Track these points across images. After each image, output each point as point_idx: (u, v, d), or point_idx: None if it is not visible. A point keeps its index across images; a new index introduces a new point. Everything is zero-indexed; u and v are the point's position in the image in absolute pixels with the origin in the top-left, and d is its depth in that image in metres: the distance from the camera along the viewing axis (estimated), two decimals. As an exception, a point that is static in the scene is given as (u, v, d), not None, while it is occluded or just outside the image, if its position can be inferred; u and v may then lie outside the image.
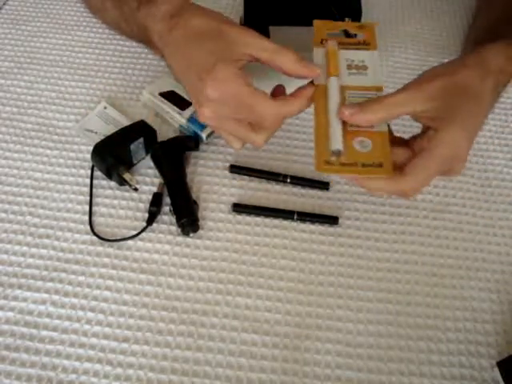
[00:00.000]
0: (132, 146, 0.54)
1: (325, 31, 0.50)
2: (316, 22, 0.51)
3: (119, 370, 0.44)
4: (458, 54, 0.70)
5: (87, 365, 0.44)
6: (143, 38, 0.56)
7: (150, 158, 0.56)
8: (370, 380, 0.44)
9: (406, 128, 0.51)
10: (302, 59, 0.46)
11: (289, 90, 0.47)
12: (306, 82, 0.47)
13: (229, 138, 0.47)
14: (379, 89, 0.46)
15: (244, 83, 0.43)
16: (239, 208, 0.53)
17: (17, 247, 0.50)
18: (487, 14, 0.68)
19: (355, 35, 0.50)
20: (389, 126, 0.45)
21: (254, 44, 0.45)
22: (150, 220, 0.52)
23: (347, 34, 0.51)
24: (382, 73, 0.47)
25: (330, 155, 0.43)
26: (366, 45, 0.49)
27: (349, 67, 0.47)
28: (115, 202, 0.54)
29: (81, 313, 0.47)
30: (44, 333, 0.45)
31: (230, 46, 0.45)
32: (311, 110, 0.64)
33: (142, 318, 0.47)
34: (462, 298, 0.49)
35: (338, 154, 0.42)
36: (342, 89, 0.46)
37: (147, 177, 0.56)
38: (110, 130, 0.57)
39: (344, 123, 0.44)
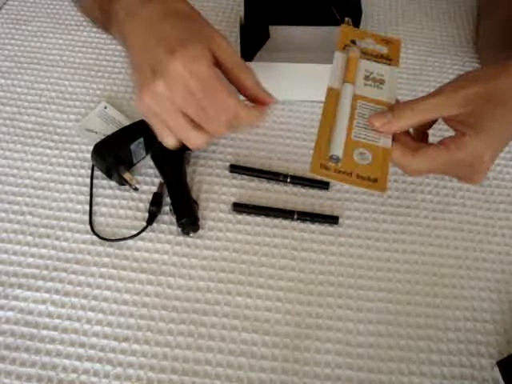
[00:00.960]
0: (132, 146, 0.54)
1: (350, 38, 0.50)
2: (343, 27, 0.51)
3: (119, 370, 0.44)
4: (458, 54, 0.71)
5: (87, 364, 0.44)
6: (103, 15, 0.52)
7: (150, 157, 0.56)
8: (370, 379, 0.44)
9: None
10: (261, 84, 0.45)
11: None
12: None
13: (163, 130, 0.44)
14: (390, 105, 0.45)
15: (214, 66, 0.41)
16: (239, 208, 0.53)
17: (17, 247, 0.50)
18: (493, 18, 0.67)
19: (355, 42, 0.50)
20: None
21: (224, 48, 0.43)
22: (150, 220, 0.52)
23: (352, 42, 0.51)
24: (396, 91, 0.47)
25: (327, 159, 0.43)
26: (388, 59, 0.49)
27: (366, 78, 0.47)
28: (115, 201, 0.54)
29: (81, 312, 0.47)
30: (44, 332, 0.45)
31: (206, 33, 0.43)
32: (315, 111, 0.64)
33: (142, 317, 0.47)
34: (462, 297, 0.49)
35: (336, 160, 0.42)
36: (355, 97, 0.46)
37: (147, 177, 0.56)
38: (110, 129, 0.57)
39: (348, 131, 0.44)
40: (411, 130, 0.47)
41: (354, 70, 0.47)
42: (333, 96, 0.46)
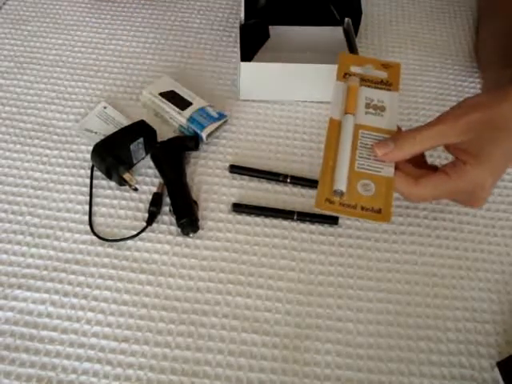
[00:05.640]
0: (132, 146, 0.54)
1: (349, 65, 0.50)
2: (341, 55, 0.51)
3: (119, 370, 0.44)
4: (459, 54, 0.71)
5: (87, 365, 0.44)
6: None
7: (149, 158, 0.56)
8: (370, 380, 0.44)
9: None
10: None
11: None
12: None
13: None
14: (392, 133, 0.46)
15: None
16: (239, 208, 0.53)
17: (17, 247, 0.50)
18: (493, 26, 0.67)
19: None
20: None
21: None
22: (150, 220, 0.52)
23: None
24: (397, 117, 0.48)
25: (332, 194, 0.43)
26: (388, 85, 0.49)
27: (367, 106, 0.48)
28: (115, 202, 0.54)
29: (80, 313, 0.47)
30: (44, 333, 0.45)
31: None
32: (315, 111, 0.64)
33: (142, 318, 0.47)
34: (462, 298, 0.49)
35: (340, 194, 0.43)
36: (356, 127, 0.46)
37: (147, 177, 0.56)
38: (110, 129, 0.57)
39: (351, 162, 0.45)
40: None
41: (354, 100, 0.48)
42: (335, 127, 0.46)
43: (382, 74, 0.50)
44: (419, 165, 0.47)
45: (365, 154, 0.45)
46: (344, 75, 0.50)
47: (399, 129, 0.48)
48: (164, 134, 0.58)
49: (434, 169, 0.45)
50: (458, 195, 0.46)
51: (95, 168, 0.55)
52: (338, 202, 0.43)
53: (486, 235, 0.54)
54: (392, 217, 0.43)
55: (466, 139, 0.43)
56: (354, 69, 0.50)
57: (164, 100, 0.59)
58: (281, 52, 0.64)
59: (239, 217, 0.53)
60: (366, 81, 0.49)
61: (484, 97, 0.45)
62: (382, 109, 0.48)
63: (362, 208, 0.43)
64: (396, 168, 0.45)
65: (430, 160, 0.50)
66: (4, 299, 0.47)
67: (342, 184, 0.43)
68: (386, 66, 0.51)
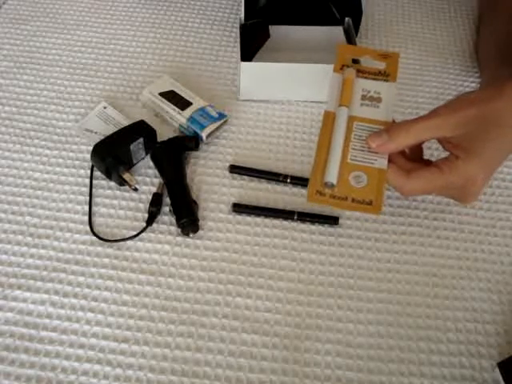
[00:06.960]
0: (132, 146, 0.54)
1: (347, 57, 0.50)
2: (339, 47, 0.51)
3: (119, 371, 0.44)
4: (459, 54, 0.71)
5: (87, 365, 0.44)
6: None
7: (149, 158, 0.56)
8: (370, 380, 0.44)
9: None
10: None
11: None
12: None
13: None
14: (387, 124, 0.46)
15: None
16: (239, 208, 0.53)
17: (16, 247, 0.50)
18: (493, 26, 0.67)
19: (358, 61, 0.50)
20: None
21: None
22: (150, 220, 0.52)
23: (354, 61, 0.51)
24: (393, 108, 0.48)
25: (323, 186, 0.43)
26: (385, 76, 0.49)
27: (363, 97, 0.47)
28: (115, 202, 0.54)
29: (80, 313, 0.46)
30: (43, 333, 0.45)
31: None
32: (315, 111, 0.64)
33: (142, 318, 0.46)
34: (462, 298, 0.49)
35: (330, 186, 0.43)
36: (351, 119, 0.46)
37: (147, 177, 0.56)
38: (110, 129, 0.57)
39: (344, 154, 0.44)
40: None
41: (349, 92, 0.47)
42: (329, 120, 0.46)
43: (381, 65, 0.50)
44: (415, 159, 0.47)
45: (358, 145, 0.45)
46: (341, 67, 0.49)
47: (394, 121, 0.48)
48: (164, 133, 0.58)
49: (428, 163, 0.46)
50: (450, 190, 0.46)
51: (95, 168, 0.55)
52: (328, 195, 0.43)
53: (486, 235, 0.54)
54: (382, 209, 0.43)
55: (460, 134, 0.43)
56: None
57: (164, 100, 0.59)
58: (281, 52, 0.64)
59: (239, 217, 0.53)
60: (363, 72, 0.49)
61: (479, 93, 0.46)
62: (379, 100, 0.47)
63: (353, 200, 0.43)
64: (389, 161, 0.44)
65: (431, 160, 0.50)
66: (4, 300, 0.47)
67: (332, 176, 0.43)
68: (384, 56, 0.50)
